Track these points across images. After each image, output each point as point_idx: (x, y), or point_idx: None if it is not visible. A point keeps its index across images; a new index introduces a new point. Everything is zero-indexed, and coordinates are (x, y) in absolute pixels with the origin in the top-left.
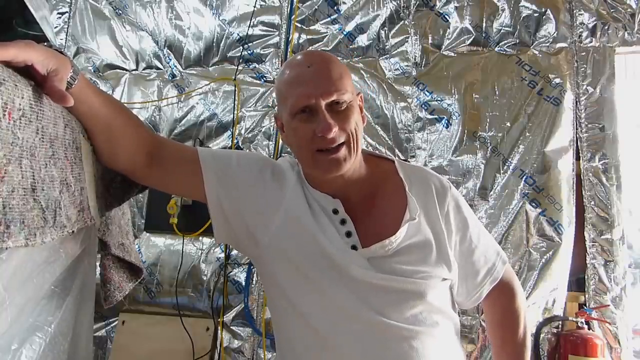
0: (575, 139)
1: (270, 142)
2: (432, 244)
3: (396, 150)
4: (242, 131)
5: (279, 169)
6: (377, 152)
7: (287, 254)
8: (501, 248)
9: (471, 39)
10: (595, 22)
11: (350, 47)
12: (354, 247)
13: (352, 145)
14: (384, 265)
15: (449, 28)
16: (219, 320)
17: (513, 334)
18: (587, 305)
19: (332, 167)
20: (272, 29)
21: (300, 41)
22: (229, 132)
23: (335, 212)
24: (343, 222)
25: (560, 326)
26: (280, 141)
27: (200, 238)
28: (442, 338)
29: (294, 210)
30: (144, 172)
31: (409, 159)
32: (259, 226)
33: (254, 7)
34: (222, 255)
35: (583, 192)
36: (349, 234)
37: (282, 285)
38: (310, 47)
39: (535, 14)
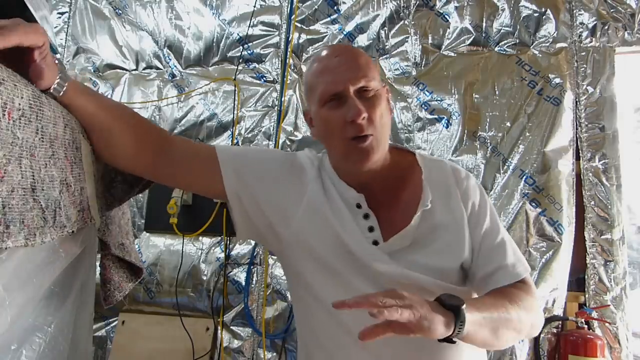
0: (575, 139)
1: (270, 142)
2: (450, 230)
3: None
4: (242, 131)
5: (299, 163)
6: (399, 145)
7: (310, 249)
8: None
9: (471, 39)
10: (595, 22)
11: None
12: (375, 243)
13: (379, 136)
14: (405, 258)
15: (449, 28)
16: (219, 320)
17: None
18: (587, 305)
19: (362, 159)
20: (272, 29)
21: (300, 41)
22: (229, 132)
23: (359, 206)
24: (366, 216)
25: (560, 326)
26: (280, 141)
27: (200, 238)
28: None
29: (314, 205)
30: (151, 172)
31: None
32: (280, 221)
33: (254, 7)
34: (222, 255)
35: (583, 192)
36: (371, 229)
37: (306, 279)
38: (310, 47)
39: (535, 14)
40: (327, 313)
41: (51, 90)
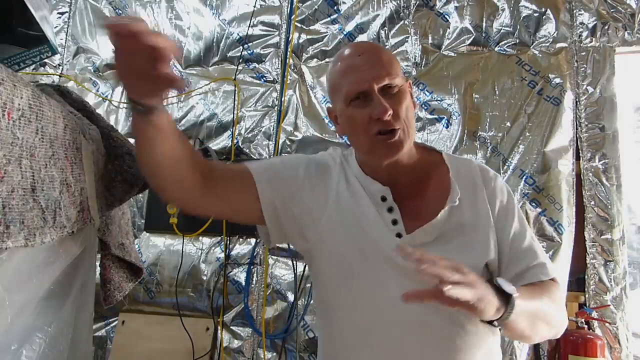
0: (575, 139)
1: (270, 142)
2: (476, 228)
3: None
4: (242, 131)
5: (322, 163)
6: (426, 144)
7: (333, 245)
8: None
9: (471, 39)
10: (595, 22)
11: None
12: (399, 235)
13: (406, 130)
14: (428, 252)
15: (449, 28)
16: (219, 320)
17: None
18: (587, 305)
19: (390, 152)
20: (272, 29)
21: (300, 41)
22: (229, 132)
23: (384, 199)
24: (390, 209)
25: None
26: (280, 141)
27: (200, 238)
28: (483, 336)
29: (340, 202)
30: (202, 201)
31: None
32: (309, 222)
33: (254, 7)
34: (222, 255)
35: (583, 192)
36: (394, 222)
37: (327, 278)
38: (310, 47)
39: (535, 14)
40: (343, 313)
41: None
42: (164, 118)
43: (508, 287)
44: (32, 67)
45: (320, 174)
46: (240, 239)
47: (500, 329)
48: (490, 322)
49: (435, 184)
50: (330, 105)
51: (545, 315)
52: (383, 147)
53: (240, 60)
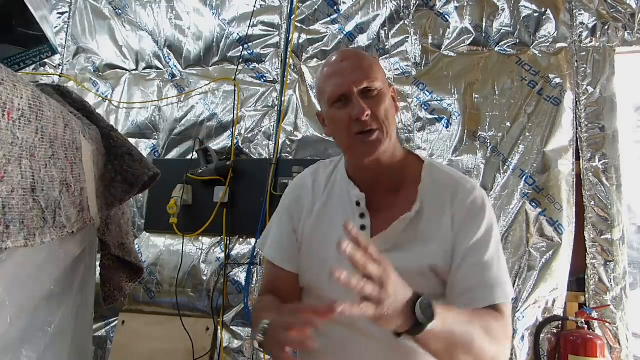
0: (575, 139)
1: (270, 142)
2: (432, 239)
3: None
4: (242, 131)
5: (299, 189)
6: (415, 151)
7: (312, 253)
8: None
9: (471, 39)
10: (595, 22)
11: (351, 47)
12: (362, 230)
13: (384, 129)
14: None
15: (449, 28)
16: (219, 320)
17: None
18: (587, 305)
19: (369, 149)
20: (272, 29)
21: (300, 41)
22: (228, 132)
23: (358, 204)
24: (362, 215)
25: (560, 326)
26: (280, 141)
27: (200, 238)
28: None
29: (321, 206)
30: None
31: None
32: (299, 235)
33: (254, 7)
34: (222, 255)
35: (583, 192)
36: (362, 227)
37: (308, 290)
38: (310, 47)
39: (535, 14)
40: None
41: None
42: None
43: (422, 315)
44: (32, 67)
45: (299, 204)
46: (240, 239)
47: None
48: (399, 334)
49: (406, 195)
50: (319, 109)
51: (470, 346)
52: (362, 145)
53: (240, 60)
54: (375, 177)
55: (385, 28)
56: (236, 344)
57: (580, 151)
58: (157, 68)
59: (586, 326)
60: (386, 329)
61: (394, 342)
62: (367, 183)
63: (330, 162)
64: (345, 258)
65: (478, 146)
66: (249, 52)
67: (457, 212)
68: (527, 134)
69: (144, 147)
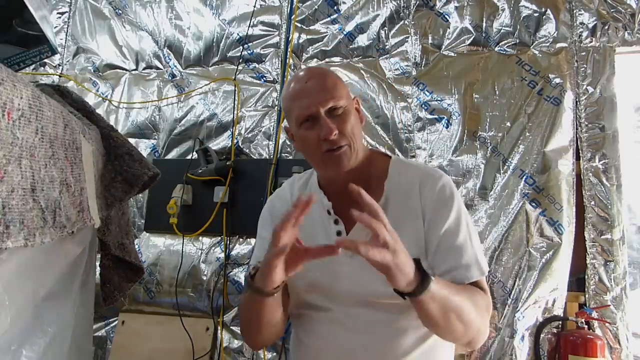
0: (575, 139)
1: (270, 142)
2: (401, 228)
3: (396, 150)
4: (242, 131)
5: (274, 210)
6: (382, 150)
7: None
8: (500, 250)
9: (471, 39)
10: (595, 22)
11: (350, 47)
12: (338, 236)
13: (352, 145)
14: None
15: (449, 28)
16: (219, 320)
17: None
18: (587, 305)
19: (339, 165)
20: (272, 29)
21: (300, 41)
22: (228, 132)
23: (329, 212)
24: (336, 222)
25: (560, 326)
26: (280, 141)
27: (200, 238)
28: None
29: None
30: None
31: (409, 159)
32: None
33: (254, 7)
34: (222, 255)
35: (583, 192)
36: (339, 233)
37: (295, 297)
38: (310, 47)
39: (535, 14)
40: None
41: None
42: (276, 298)
43: (425, 266)
44: (32, 67)
45: (273, 217)
46: (240, 239)
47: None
48: (402, 295)
49: (374, 192)
50: (287, 125)
51: (461, 312)
52: (332, 162)
53: (240, 60)
54: (345, 184)
55: (385, 28)
56: (236, 344)
57: (580, 151)
58: (157, 68)
59: (586, 326)
60: (382, 324)
61: (387, 340)
62: (338, 190)
63: (302, 176)
64: (326, 264)
65: (478, 146)
66: (249, 52)
67: (426, 201)
68: (527, 134)
69: (144, 147)
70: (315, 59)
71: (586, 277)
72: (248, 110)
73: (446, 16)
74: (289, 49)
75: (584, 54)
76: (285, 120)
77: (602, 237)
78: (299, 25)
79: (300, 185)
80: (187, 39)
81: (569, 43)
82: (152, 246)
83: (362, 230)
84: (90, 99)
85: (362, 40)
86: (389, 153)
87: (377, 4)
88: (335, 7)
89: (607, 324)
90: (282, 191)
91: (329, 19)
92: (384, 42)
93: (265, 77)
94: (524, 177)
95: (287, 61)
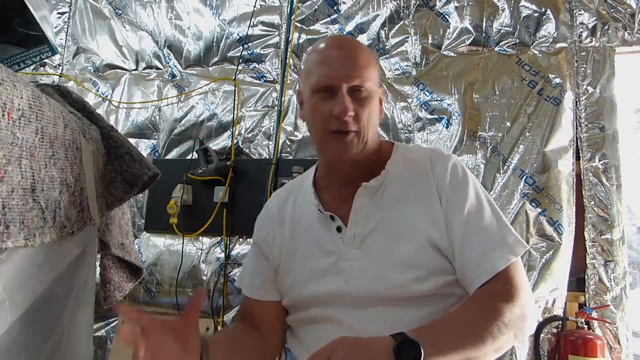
0: (575, 139)
1: (270, 142)
2: (411, 214)
3: None
4: (242, 131)
5: (263, 219)
6: (389, 140)
7: (294, 268)
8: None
9: (471, 39)
10: (595, 22)
11: None
12: (338, 229)
13: (362, 133)
14: (373, 246)
15: (449, 28)
16: (219, 320)
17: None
18: (587, 305)
19: (341, 151)
20: (272, 29)
21: (300, 41)
22: (228, 132)
23: (321, 211)
24: (332, 218)
25: (560, 326)
26: (280, 141)
27: (200, 238)
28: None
29: (293, 226)
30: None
31: None
32: (278, 262)
33: (254, 7)
34: (222, 255)
35: (583, 192)
36: (339, 229)
37: (294, 306)
38: (310, 47)
39: (535, 14)
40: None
41: None
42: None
43: (410, 353)
44: (32, 67)
45: (270, 233)
46: (240, 239)
47: None
48: None
49: (376, 173)
50: (301, 88)
51: (481, 345)
52: (335, 145)
53: (240, 60)
54: (345, 174)
55: (385, 28)
56: None
57: (580, 151)
58: (157, 68)
59: (586, 326)
60: (409, 323)
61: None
62: (335, 182)
63: (295, 180)
64: (329, 267)
65: (478, 146)
66: (249, 52)
67: (439, 182)
68: (527, 134)
69: (144, 147)
70: None
71: (586, 277)
72: (248, 110)
73: (446, 16)
74: (289, 49)
75: (584, 54)
76: (299, 82)
77: (602, 237)
78: (299, 25)
79: (291, 191)
80: (187, 39)
81: (569, 43)
82: (152, 246)
83: (357, 224)
84: (91, 99)
85: (362, 40)
86: (389, 140)
87: (377, 4)
88: (335, 7)
89: (607, 324)
90: (269, 207)
91: (329, 19)
92: (384, 42)
93: (265, 77)
94: (524, 177)
95: (287, 61)
